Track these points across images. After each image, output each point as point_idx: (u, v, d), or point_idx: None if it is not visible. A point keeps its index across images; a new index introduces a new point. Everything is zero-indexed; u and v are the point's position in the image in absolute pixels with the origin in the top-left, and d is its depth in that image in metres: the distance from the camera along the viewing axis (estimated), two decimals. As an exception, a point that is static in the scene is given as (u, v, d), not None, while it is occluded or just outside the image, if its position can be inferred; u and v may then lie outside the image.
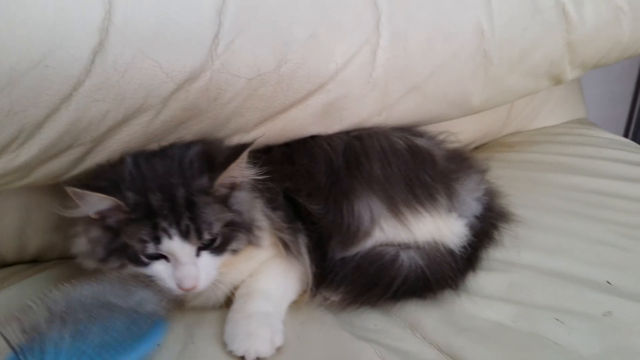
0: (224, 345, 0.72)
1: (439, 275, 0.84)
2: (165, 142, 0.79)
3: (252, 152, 0.74)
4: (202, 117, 0.78)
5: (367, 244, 0.84)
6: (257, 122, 0.83)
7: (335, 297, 0.82)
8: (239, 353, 0.70)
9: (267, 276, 0.81)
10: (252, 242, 0.77)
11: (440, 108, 1.01)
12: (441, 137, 1.03)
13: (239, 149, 0.72)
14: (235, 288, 0.79)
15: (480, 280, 0.86)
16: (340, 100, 0.87)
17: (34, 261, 0.95)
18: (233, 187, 0.75)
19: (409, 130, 0.97)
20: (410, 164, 0.89)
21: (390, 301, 0.82)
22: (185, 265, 0.70)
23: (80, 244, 0.75)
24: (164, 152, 0.77)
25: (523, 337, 0.74)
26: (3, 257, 0.91)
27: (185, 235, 0.69)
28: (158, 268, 0.71)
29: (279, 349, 0.72)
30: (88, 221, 0.72)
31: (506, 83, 1.05)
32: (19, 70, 0.65)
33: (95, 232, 0.72)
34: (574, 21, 1.05)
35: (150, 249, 0.69)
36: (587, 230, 0.95)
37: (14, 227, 0.89)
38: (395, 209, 0.85)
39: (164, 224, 0.68)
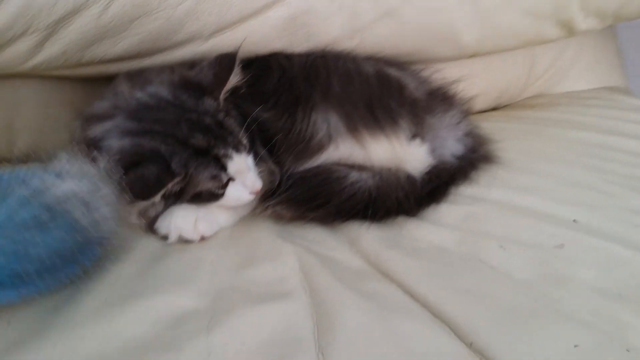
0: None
1: (390, 199, 0.81)
2: (122, 41, 0.81)
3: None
4: (154, 16, 0.80)
5: (320, 158, 0.83)
6: (214, 29, 0.84)
7: (282, 211, 0.81)
8: (163, 232, 0.72)
9: None
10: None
11: (423, 40, 0.97)
12: (426, 73, 0.99)
13: (228, 64, 0.75)
14: None
15: (440, 210, 0.82)
16: (303, 16, 0.87)
17: (23, 161, 0.99)
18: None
19: (387, 61, 0.95)
20: (375, 88, 0.87)
21: (336, 218, 0.80)
22: (249, 172, 0.75)
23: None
24: (156, 105, 0.73)
25: (458, 258, 0.70)
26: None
27: (237, 149, 0.73)
28: (231, 191, 0.74)
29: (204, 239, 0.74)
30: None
31: (502, 20, 0.99)
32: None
33: (158, 207, 0.73)
34: (584, -41, 0.98)
35: (224, 178, 0.72)
36: (574, 175, 0.87)
37: (1, 121, 0.93)
38: (352, 126, 0.83)
39: (222, 151, 0.71)
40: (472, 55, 1.05)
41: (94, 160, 0.66)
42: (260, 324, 0.55)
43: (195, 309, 0.57)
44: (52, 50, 0.79)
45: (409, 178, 0.83)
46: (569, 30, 1.07)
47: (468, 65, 1.14)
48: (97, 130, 0.71)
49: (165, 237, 0.73)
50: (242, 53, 0.87)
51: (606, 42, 1.35)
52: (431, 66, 1.06)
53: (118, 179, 0.64)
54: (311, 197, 0.80)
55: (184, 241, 0.72)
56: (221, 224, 0.77)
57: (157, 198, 0.69)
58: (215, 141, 0.71)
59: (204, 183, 0.71)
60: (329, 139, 0.82)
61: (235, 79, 0.77)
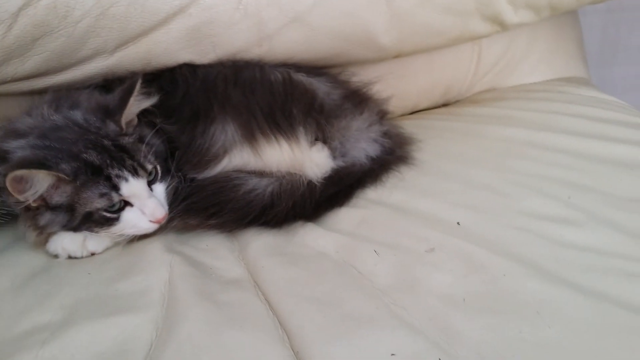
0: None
1: (287, 205, 0.82)
2: (29, 59, 0.85)
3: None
4: (56, 35, 0.83)
5: (217, 168, 0.85)
6: (116, 43, 0.86)
7: (188, 220, 0.83)
8: (52, 251, 0.76)
9: None
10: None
11: (338, 44, 0.97)
12: (343, 76, 1.00)
13: (128, 88, 0.77)
14: None
15: (339, 215, 0.83)
16: (207, 26, 0.88)
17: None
18: (135, 126, 0.80)
19: (299, 67, 0.96)
20: (279, 95, 0.88)
21: (233, 226, 0.82)
22: (149, 199, 0.76)
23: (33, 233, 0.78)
24: (59, 125, 0.75)
25: (333, 264, 0.72)
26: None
27: (135, 173, 0.75)
28: (128, 216, 0.75)
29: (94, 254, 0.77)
30: (32, 214, 0.75)
31: (420, 20, 0.99)
32: None
33: (47, 217, 0.74)
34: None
35: (115, 197, 0.73)
36: (478, 176, 0.87)
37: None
38: (249, 135, 0.85)
39: (115, 171, 0.73)
40: (397, 56, 1.05)
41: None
42: (99, 337, 0.58)
43: (46, 323, 0.61)
44: (-35, 74, 0.84)
45: (309, 183, 0.84)
46: (501, 24, 1.06)
47: (407, 62, 1.14)
48: (11, 144, 0.74)
49: (56, 256, 0.76)
50: (151, 66, 0.91)
51: (564, 30, 1.31)
52: (358, 67, 1.07)
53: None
54: (208, 205, 0.81)
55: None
56: (113, 240, 0.79)
57: (35, 195, 0.71)
58: (110, 161, 0.73)
59: (93, 200, 0.72)
60: (224, 150, 0.84)
61: (143, 102, 0.79)
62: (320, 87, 0.93)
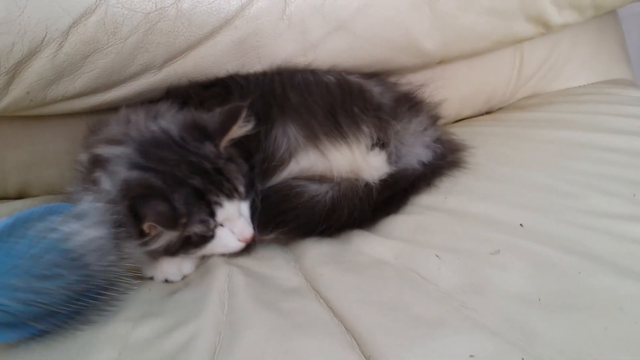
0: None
1: (346, 209, 0.81)
2: (79, 77, 0.86)
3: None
4: (105, 51, 0.84)
5: (283, 174, 0.83)
6: (165, 58, 0.87)
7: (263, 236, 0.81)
8: (149, 274, 0.75)
9: None
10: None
11: (382, 51, 0.97)
12: (392, 80, 0.99)
13: (234, 111, 0.75)
14: None
15: (393, 222, 0.82)
16: (252, 38, 0.89)
17: (20, 197, 1.07)
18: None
19: (349, 72, 0.95)
20: (336, 94, 0.87)
21: (296, 235, 0.81)
22: (239, 219, 0.75)
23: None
24: (160, 141, 0.74)
25: (394, 271, 0.70)
26: (-13, 192, 1.05)
27: (231, 196, 0.73)
28: (221, 235, 0.74)
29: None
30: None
31: (463, 22, 0.97)
32: None
33: (156, 244, 0.72)
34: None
35: (211, 224, 0.72)
36: (536, 178, 0.84)
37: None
38: (313, 135, 0.83)
39: (214, 198, 0.71)
40: (441, 62, 1.04)
41: (96, 179, 0.70)
42: (165, 344, 0.57)
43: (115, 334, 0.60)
44: (16, 92, 0.85)
45: (366, 186, 0.83)
46: (545, 25, 1.04)
47: (448, 70, 1.13)
48: (106, 150, 0.72)
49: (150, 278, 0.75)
50: (199, 76, 0.91)
51: (606, 33, 1.29)
52: (407, 75, 1.06)
53: (122, 209, 0.66)
54: (275, 215, 0.80)
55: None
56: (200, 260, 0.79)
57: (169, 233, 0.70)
58: (210, 186, 0.71)
59: (194, 226, 0.71)
60: (289, 154, 0.83)
61: (243, 129, 0.77)
62: (374, 88, 0.92)
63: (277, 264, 0.77)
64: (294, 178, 0.84)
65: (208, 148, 0.74)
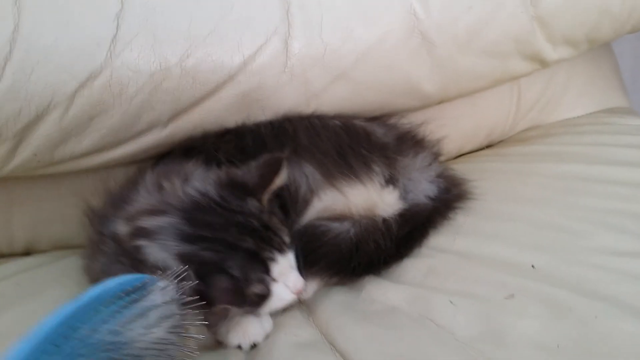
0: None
1: (372, 243, 0.81)
2: (86, 138, 0.87)
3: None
4: (112, 112, 0.85)
5: (309, 213, 0.83)
6: (170, 115, 0.88)
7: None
8: (235, 342, 0.73)
9: None
10: None
11: (383, 96, 0.98)
12: (393, 120, 1.01)
13: (274, 163, 0.74)
14: None
15: (403, 266, 0.82)
16: (255, 92, 0.90)
17: (26, 253, 1.07)
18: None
19: (351, 117, 0.97)
20: (344, 137, 0.89)
21: (329, 272, 0.81)
22: (291, 271, 0.73)
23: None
24: (200, 211, 0.71)
25: (408, 318, 0.70)
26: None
27: (281, 250, 0.71)
28: (277, 291, 0.71)
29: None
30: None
31: (462, 65, 0.99)
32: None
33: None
34: (538, -8, 0.97)
35: (269, 281, 0.70)
36: (544, 216, 0.85)
37: (-1, 222, 1.01)
38: (329, 175, 0.84)
39: (267, 254, 0.69)
40: (440, 102, 1.05)
41: (140, 251, 0.66)
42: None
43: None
44: (24, 155, 0.86)
45: (385, 222, 0.83)
46: (541, 62, 1.05)
47: (449, 108, 1.14)
48: (149, 222, 0.69)
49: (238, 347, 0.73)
50: (206, 129, 0.92)
51: (600, 62, 1.31)
52: (408, 115, 1.07)
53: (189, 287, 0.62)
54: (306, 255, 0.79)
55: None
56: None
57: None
58: (262, 244, 0.69)
59: (253, 287, 0.69)
60: (311, 191, 0.83)
61: (282, 180, 0.76)
62: (376, 129, 0.94)
63: (292, 313, 0.77)
64: (316, 218, 0.84)
65: (251, 204, 0.72)
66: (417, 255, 0.84)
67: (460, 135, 1.21)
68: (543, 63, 1.06)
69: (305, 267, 0.77)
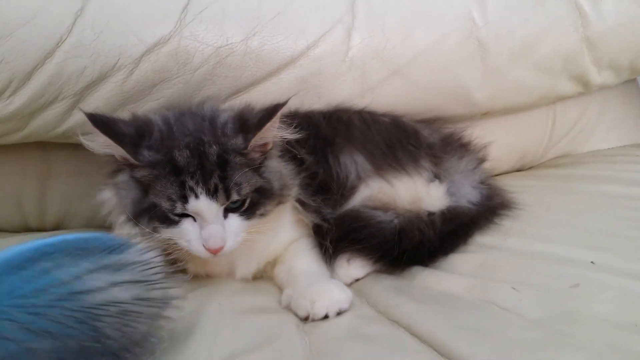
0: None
1: (415, 234, 0.80)
2: (143, 105, 0.86)
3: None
4: (174, 81, 0.85)
5: (356, 198, 0.84)
6: (230, 92, 0.89)
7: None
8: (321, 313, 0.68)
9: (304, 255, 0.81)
10: (281, 202, 0.76)
11: (433, 98, 1.00)
12: (437, 124, 1.01)
13: (272, 109, 0.71)
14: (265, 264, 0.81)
15: (454, 260, 0.81)
16: (314, 77, 0.91)
17: (56, 229, 1.04)
18: (265, 153, 0.74)
19: (400, 115, 0.98)
20: (393, 132, 0.90)
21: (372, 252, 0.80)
22: (211, 224, 0.68)
23: (107, 192, 0.76)
24: (195, 113, 0.75)
25: (468, 302, 0.69)
26: (26, 222, 1.02)
27: (212, 195, 0.67)
28: (185, 227, 0.69)
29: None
30: (116, 166, 0.73)
31: (512, 76, 1.01)
32: (11, 25, 0.78)
33: (122, 177, 0.72)
34: (590, 15, 1.01)
35: (178, 208, 0.67)
36: (595, 224, 0.85)
37: (32, 194, 1.00)
38: (378, 165, 0.85)
39: (191, 183, 0.66)
40: (486, 113, 1.07)
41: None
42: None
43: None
44: (78, 116, 0.85)
45: (429, 216, 0.83)
46: (585, 85, 1.08)
47: (485, 125, 1.16)
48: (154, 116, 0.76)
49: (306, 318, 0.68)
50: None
51: (631, 98, 1.34)
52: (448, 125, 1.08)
53: None
54: (347, 232, 0.80)
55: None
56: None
57: (105, 150, 0.70)
58: (195, 170, 0.67)
59: (159, 196, 0.67)
60: (359, 178, 0.84)
61: (282, 131, 0.74)
62: (423, 129, 0.95)
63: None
64: (361, 205, 0.84)
65: (237, 139, 0.70)
66: (465, 251, 0.83)
67: (495, 155, 1.21)
68: (587, 86, 1.09)
69: (348, 245, 0.78)
